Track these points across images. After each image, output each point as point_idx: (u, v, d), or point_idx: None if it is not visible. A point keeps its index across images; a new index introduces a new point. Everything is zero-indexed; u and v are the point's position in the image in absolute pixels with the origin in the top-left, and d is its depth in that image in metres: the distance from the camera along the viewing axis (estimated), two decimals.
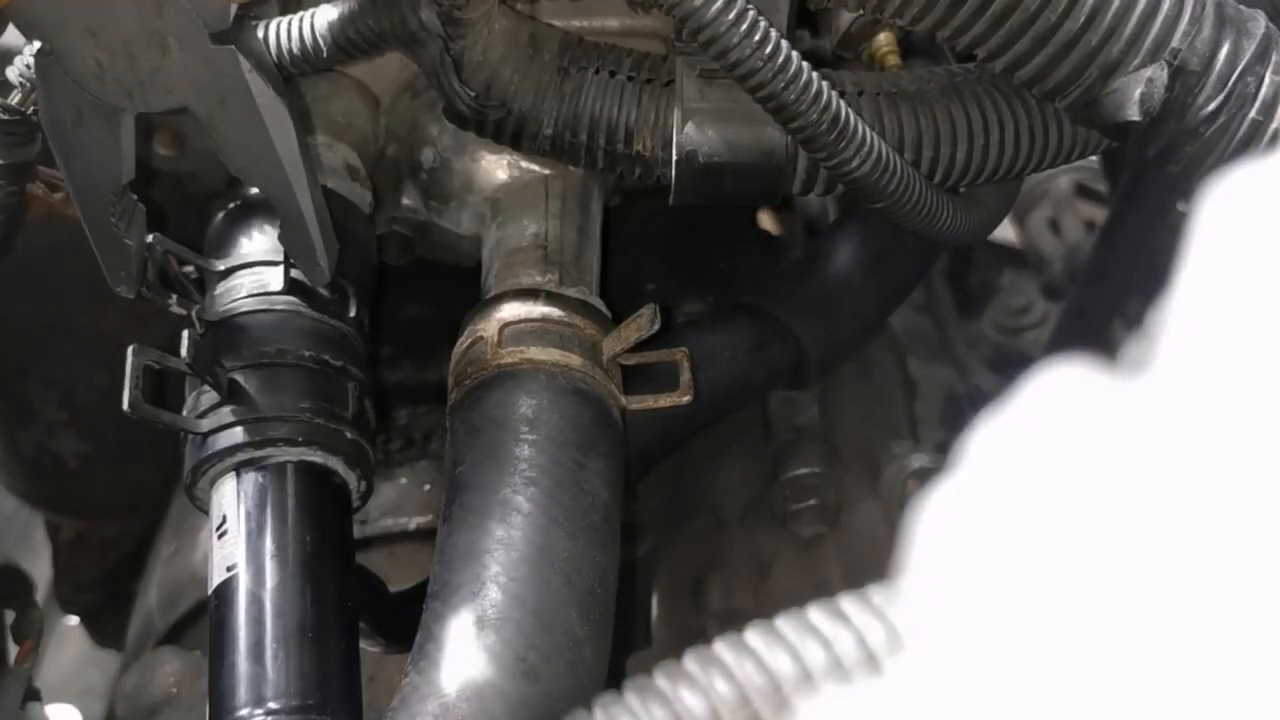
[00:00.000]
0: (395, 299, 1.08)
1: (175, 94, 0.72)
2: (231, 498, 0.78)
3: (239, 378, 0.80)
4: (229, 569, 0.75)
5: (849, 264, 1.09)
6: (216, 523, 0.78)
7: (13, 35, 0.73)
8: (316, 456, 0.80)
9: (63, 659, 1.60)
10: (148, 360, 0.77)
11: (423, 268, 1.04)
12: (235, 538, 0.76)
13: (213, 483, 0.80)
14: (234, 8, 0.68)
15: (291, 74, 0.86)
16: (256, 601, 0.74)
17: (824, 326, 1.06)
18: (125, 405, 0.75)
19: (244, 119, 0.72)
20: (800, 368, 1.06)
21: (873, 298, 1.11)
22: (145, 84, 0.71)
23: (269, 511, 0.77)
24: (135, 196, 0.80)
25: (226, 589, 0.75)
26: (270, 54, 0.84)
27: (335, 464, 0.81)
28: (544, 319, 0.85)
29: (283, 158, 0.74)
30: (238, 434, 0.78)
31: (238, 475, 0.78)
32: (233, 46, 0.69)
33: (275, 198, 0.77)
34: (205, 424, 0.78)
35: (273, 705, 0.71)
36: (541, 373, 0.82)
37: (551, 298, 0.87)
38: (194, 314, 0.82)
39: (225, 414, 0.78)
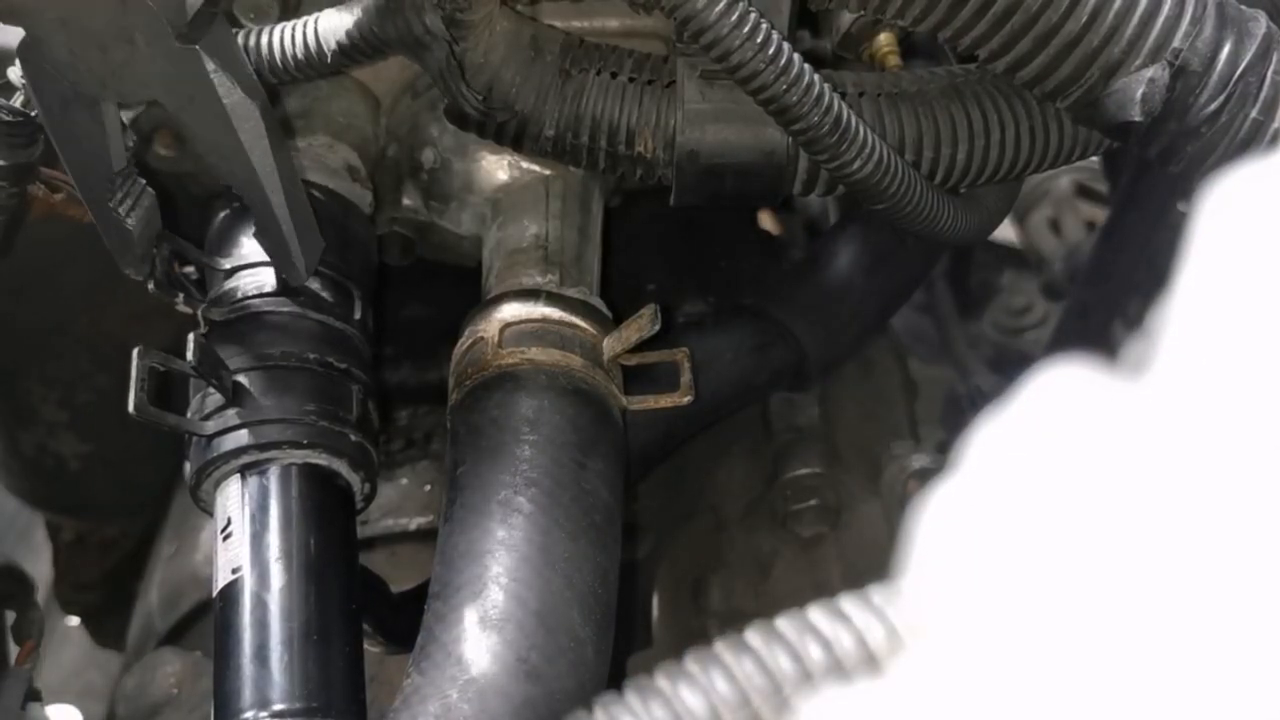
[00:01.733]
0: (396, 299, 1.08)
1: (145, 89, 0.72)
2: (236, 500, 0.78)
3: (243, 380, 0.80)
4: (234, 571, 0.76)
5: (850, 266, 1.09)
6: (221, 524, 0.78)
7: (14, 37, 0.73)
8: (321, 459, 0.80)
9: (63, 659, 1.60)
10: (153, 363, 0.77)
11: (423, 268, 1.04)
12: (240, 540, 0.76)
13: (217, 484, 0.80)
14: (192, 4, 0.68)
15: (295, 79, 0.86)
16: (261, 604, 0.74)
17: (825, 329, 1.07)
18: (131, 408, 0.75)
19: (211, 117, 0.72)
20: (801, 369, 1.06)
21: (874, 300, 1.12)
22: (116, 75, 0.71)
23: (274, 514, 0.78)
24: (144, 181, 0.80)
25: (231, 591, 0.75)
26: (275, 58, 0.85)
27: (339, 466, 0.81)
28: (544, 319, 0.85)
29: (252, 157, 0.74)
30: (242, 436, 0.78)
31: (242, 477, 0.79)
32: (196, 46, 0.69)
33: (247, 196, 0.77)
34: (210, 426, 0.79)
35: (277, 707, 0.71)
36: (542, 373, 0.82)
37: (552, 298, 0.87)
38: (200, 313, 0.82)
39: (230, 416, 0.78)
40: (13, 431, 1.42)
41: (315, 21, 0.84)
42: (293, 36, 0.85)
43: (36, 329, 1.34)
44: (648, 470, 1.01)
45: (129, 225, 0.79)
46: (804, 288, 1.09)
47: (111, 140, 0.75)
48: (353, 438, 0.81)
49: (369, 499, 0.85)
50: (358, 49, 0.83)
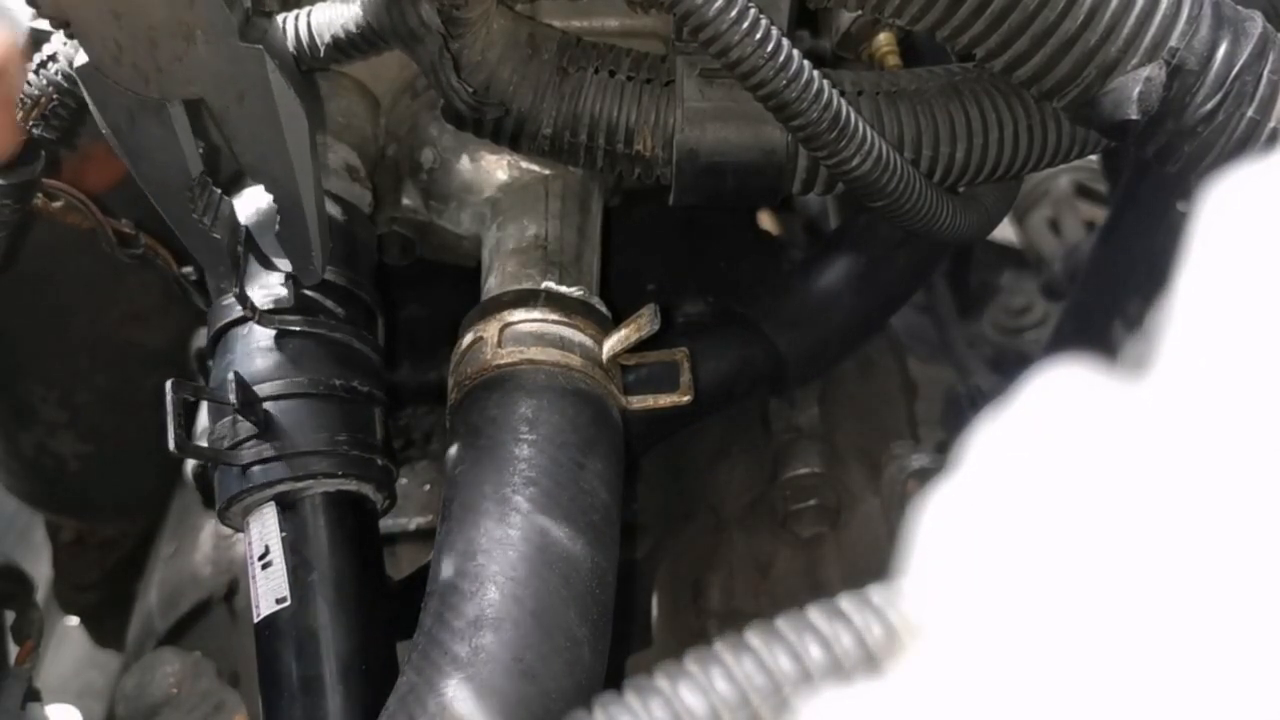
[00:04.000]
0: (395, 299, 1.08)
1: (193, 85, 0.71)
2: (274, 528, 0.79)
3: (273, 409, 0.80)
4: (279, 601, 0.77)
5: (839, 283, 1.09)
6: (259, 552, 0.79)
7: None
8: (351, 485, 0.82)
9: (63, 659, 1.61)
10: (185, 395, 0.77)
11: (423, 268, 1.04)
12: (280, 570, 0.78)
13: (248, 510, 0.81)
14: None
15: None
16: (311, 635, 0.76)
17: (807, 343, 1.07)
18: (171, 446, 0.75)
19: (260, 117, 0.72)
20: (779, 378, 1.06)
21: (859, 317, 1.11)
22: (163, 71, 0.70)
23: (313, 544, 0.79)
24: (219, 191, 0.80)
25: (277, 621, 0.77)
26: None
27: (367, 490, 0.83)
28: (544, 319, 0.85)
29: (293, 157, 0.75)
30: (279, 469, 0.79)
31: (279, 507, 0.79)
32: (260, 46, 0.69)
33: (278, 195, 0.78)
34: (245, 456, 0.79)
35: None
36: (541, 373, 0.82)
37: (551, 298, 0.87)
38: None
39: (266, 448, 0.79)
40: (13, 431, 1.42)
41: (308, 14, 0.84)
42: (287, 29, 0.84)
43: (36, 329, 1.34)
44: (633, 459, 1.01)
45: (215, 236, 0.79)
46: (790, 301, 1.09)
47: (184, 145, 0.75)
48: (379, 462, 0.83)
49: (386, 511, 0.87)
50: (352, 42, 0.83)
